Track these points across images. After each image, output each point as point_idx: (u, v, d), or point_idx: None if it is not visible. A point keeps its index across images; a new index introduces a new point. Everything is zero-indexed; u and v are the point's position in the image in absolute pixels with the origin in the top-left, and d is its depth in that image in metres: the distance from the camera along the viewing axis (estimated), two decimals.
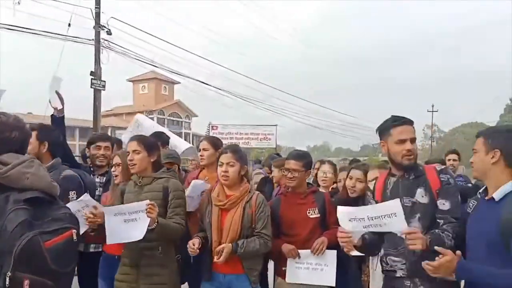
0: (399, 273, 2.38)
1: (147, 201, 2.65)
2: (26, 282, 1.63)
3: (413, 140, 2.43)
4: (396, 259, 2.41)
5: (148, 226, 2.62)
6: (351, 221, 2.48)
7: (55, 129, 3.41)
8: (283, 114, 31.04)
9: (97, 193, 3.67)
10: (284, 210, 3.18)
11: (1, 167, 1.81)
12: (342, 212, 2.54)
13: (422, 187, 2.40)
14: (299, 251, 3.04)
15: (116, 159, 3.26)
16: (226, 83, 25.05)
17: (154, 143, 3.07)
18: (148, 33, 17.01)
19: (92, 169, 3.84)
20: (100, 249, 3.43)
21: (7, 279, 1.60)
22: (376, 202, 2.54)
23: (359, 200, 3.31)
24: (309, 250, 3.04)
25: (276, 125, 22.84)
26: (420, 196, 2.39)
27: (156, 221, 2.65)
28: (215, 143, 3.70)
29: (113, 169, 3.28)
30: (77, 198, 3.12)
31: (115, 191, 3.19)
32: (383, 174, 2.64)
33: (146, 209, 2.62)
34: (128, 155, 2.94)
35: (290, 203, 3.19)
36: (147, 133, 4.31)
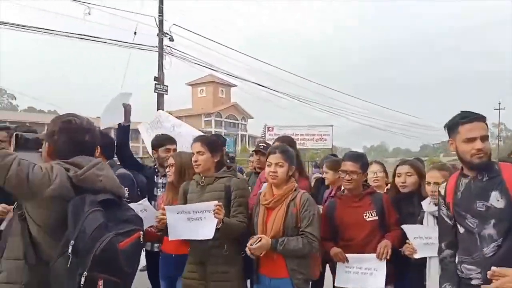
0: (475, 281, 2.23)
1: (215, 202, 2.70)
2: (100, 282, 1.68)
3: (484, 138, 2.22)
4: (471, 267, 2.26)
5: (215, 226, 2.67)
6: (416, 239, 2.85)
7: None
8: (339, 114, 30.59)
9: (159, 193, 3.82)
10: (339, 213, 3.13)
11: (77, 170, 1.88)
12: (407, 230, 2.90)
13: (497, 190, 2.19)
14: (348, 255, 2.99)
15: (170, 160, 3.35)
16: (280, 84, 25.18)
17: (217, 144, 3.09)
18: (204, 37, 17.50)
19: (156, 170, 4.00)
20: None
21: (83, 278, 1.65)
22: (447, 205, 2.40)
23: (413, 196, 3.19)
24: (357, 255, 2.98)
25: (332, 126, 22.57)
26: (495, 199, 2.18)
27: (222, 221, 2.69)
28: (290, 142, 3.58)
29: (167, 169, 3.37)
30: (129, 195, 3.22)
31: (171, 191, 3.29)
32: (455, 174, 2.45)
33: (214, 210, 2.66)
34: (193, 155, 2.99)
35: (346, 206, 3.13)
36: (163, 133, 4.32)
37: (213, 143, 3.04)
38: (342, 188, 3.33)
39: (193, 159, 2.98)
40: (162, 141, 4.03)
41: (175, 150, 3.92)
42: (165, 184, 3.80)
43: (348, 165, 3.08)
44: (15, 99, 59.84)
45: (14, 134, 2.11)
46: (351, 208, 3.09)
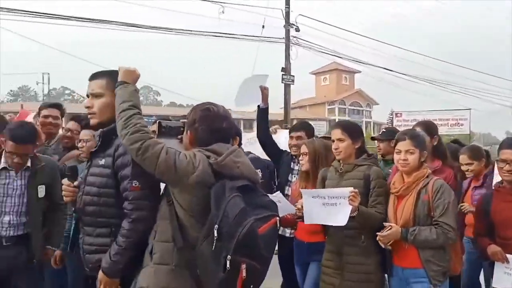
0: None
1: (351, 189, 2.63)
2: (243, 265, 1.73)
3: None
4: None
5: (350, 213, 2.61)
6: None
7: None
8: (476, 95, 27.68)
9: (293, 179, 3.85)
10: (496, 207, 2.83)
11: (216, 157, 1.97)
12: None
13: None
14: (509, 256, 2.70)
15: (303, 148, 3.33)
16: (408, 67, 23.85)
17: (358, 130, 3.01)
18: (329, 24, 17.53)
19: (293, 156, 4.01)
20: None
21: (228, 262, 1.72)
22: None
23: None
24: None
25: (469, 109, 20.67)
26: None
27: (357, 209, 2.62)
28: (429, 128, 3.28)
29: (300, 157, 3.38)
30: (261, 177, 3.26)
31: (304, 179, 3.32)
32: None
33: (349, 196, 2.60)
34: (333, 142, 2.93)
35: (504, 200, 2.81)
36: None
37: (353, 129, 2.96)
38: (500, 179, 2.98)
39: (333, 146, 2.93)
40: (290, 130, 4.14)
41: (298, 138, 3.91)
42: (300, 171, 3.80)
43: (508, 154, 2.75)
44: (160, 95, 66.81)
45: (158, 121, 2.27)
46: (511, 203, 2.77)
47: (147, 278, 1.99)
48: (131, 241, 2.05)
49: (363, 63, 20.81)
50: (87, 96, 2.27)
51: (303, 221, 2.91)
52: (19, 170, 2.91)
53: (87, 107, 2.25)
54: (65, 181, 2.35)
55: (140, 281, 2.02)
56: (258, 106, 3.99)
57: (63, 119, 4.24)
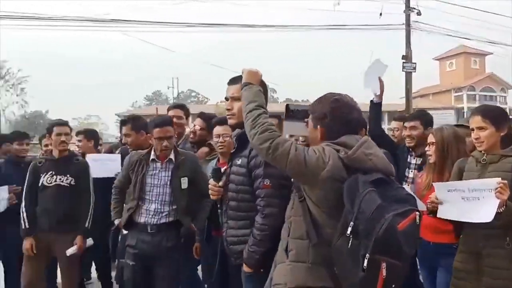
0: None
1: (498, 179, 2.33)
2: (383, 264, 1.64)
3: None
4: None
5: (497, 208, 2.31)
6: None
7: None
8: None
9: (410, 174, 3.67)
10: None
11: (346, 150, 1.90)
12: None
13: None
14: None
15: (430, 138, 3.13)
16: None
17: (502, 114, 2.66)
18: (454, 4, 16.08)
19: (409, 150, 3.83)
20: None
21: (366, 260, 1.64)
22: None
23: None
24: None
25: None
26: None
27: (504, 203, 2.31)
28: None
29: (427, 148, 3.17)
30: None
31: (431, 172, 3.06)
32: None
33: (496, 188, 2.31)
34: (473, 131, 2.63)
35: None
36: None
37: (497, 114, 2.61)
38: None
39: (473, 136, 2.64)
40: (405, 118, 4.00)
41: (412, 128, 3.72)
42: (417, 164, 3.66)
43: None
44: (276, 92, 68.50)
45: (286, 104, 2.35)
46: None
47: (284, 276, 1.99)
48: (265, 234, 2.27)
49: (496, 43, 18.64)
50: (226, 99, 2.48)
51: (434, 216, 2.68)
52: (167, 157, 3.27)
53: (228, 109, 2.46)
54: (211, 181, 2.62)
55: (276, 278, 2.04)
56: (371, 100, 3.77)
57: (189, 118, 4.59)
